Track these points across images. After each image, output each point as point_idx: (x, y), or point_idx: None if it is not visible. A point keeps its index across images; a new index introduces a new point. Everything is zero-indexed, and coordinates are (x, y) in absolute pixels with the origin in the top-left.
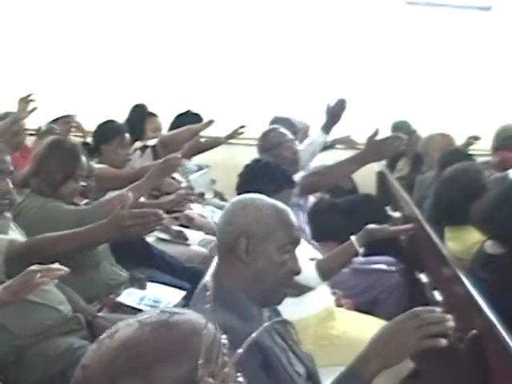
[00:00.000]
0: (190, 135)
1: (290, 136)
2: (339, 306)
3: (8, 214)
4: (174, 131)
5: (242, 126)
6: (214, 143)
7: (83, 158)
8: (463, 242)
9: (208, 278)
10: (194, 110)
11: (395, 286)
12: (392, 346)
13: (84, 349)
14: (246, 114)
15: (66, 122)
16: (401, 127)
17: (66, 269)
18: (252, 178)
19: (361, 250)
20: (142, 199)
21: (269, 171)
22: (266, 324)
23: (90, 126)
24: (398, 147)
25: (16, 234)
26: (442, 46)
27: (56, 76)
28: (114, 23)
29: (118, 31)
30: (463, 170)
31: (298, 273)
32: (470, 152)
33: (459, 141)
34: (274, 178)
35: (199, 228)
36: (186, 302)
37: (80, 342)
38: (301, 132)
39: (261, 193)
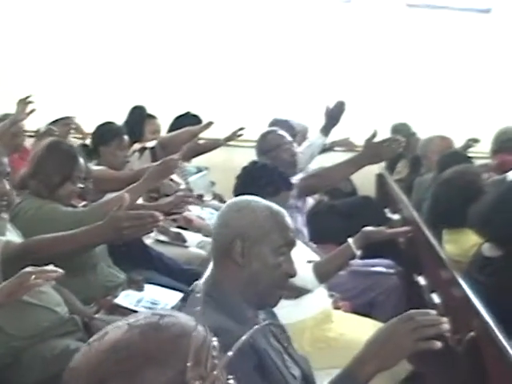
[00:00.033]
0: (189, 137)
1: (289, 138)
2: (337, 308)
3: (5, 216)
4: (173, 133)
5: (241, 128)
6: (213, 145)
7: (81, 160)
8: (461, 244)
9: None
10: (193, 112)
11: (393, 289)
12: (388, 348)
13: None
14: (245, 115)
15: (65, 123)
16: (400, 129)
17: (60, 270)
18: (249, 181)
19: (358, 253)
20: (140, 201)
21: (266, 173)
22: (256, 327)
23: (90, 127)
24: (396, 149)
25: (13, 236)
26: (442, 48)
27: (55, 78)
28: (113, 24)
29: (117, 33)
30: (461, 172)
31: (293, 275)
32: (470, 154)
33: (459, 143)
34: (271, 180)
35: (198, 230)
36: (183, 304)
37: (76, 344)
38: (300, 134)
39: (258, 195)
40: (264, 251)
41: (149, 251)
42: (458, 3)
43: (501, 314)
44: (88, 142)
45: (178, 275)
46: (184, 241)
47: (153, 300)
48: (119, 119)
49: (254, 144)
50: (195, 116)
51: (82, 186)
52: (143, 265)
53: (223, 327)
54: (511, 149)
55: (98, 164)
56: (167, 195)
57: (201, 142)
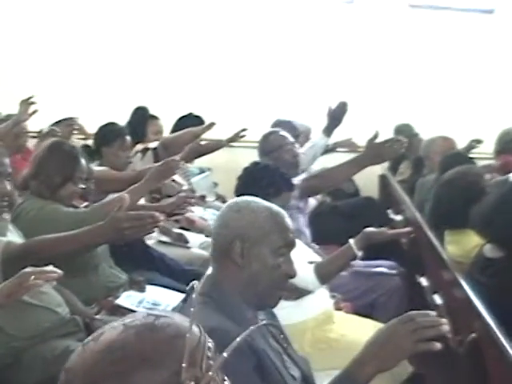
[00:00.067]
0: (192, 138)
1: (291, 139)
2: (338, 309)
3: (7, 216)
4: (176, 134)
5: (244, 129)
6: (215, 146)
7: (82, 161)
8: (462, 245)
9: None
10: (196, 113)
11: (395, 290)
12: (387, 349)
13: None
14: (247, 116)
15: (68, 124)
16: (403, 130)
17: (59, 271)
18: (251, 181)
19: (359, 254)
20: (142, 201)
21: (268, 174)
22: (251, 328)
23: (92, 128)
24: (398, 150)
25: (14, 236)
26: (445, 48)
27: (58, 78)
28: (115, 25)
29: (119, 34)
30: (463, 173)
31: (292, 276)
32: (473, 155)
33: (462, 144)
34: (272, 180)
35: (200, 231)
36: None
37: (77, 345)
38: (302, 135)
39: (260, 196)
40: (264, 252)
41: (151, 252)
42: (460, 4)
43: (502, 316)
44: (90, 142)
45: (180, 276)
46: (186, 242)
47: (154, 301)
48: (122, 120)
49: (257, 145)
50: (198, 117)
51: (83, 186)
52: (145, 265)
53: (222, 328)
54: None
55: (101, 165)
56: (169, 196)
57: (203, 142)
